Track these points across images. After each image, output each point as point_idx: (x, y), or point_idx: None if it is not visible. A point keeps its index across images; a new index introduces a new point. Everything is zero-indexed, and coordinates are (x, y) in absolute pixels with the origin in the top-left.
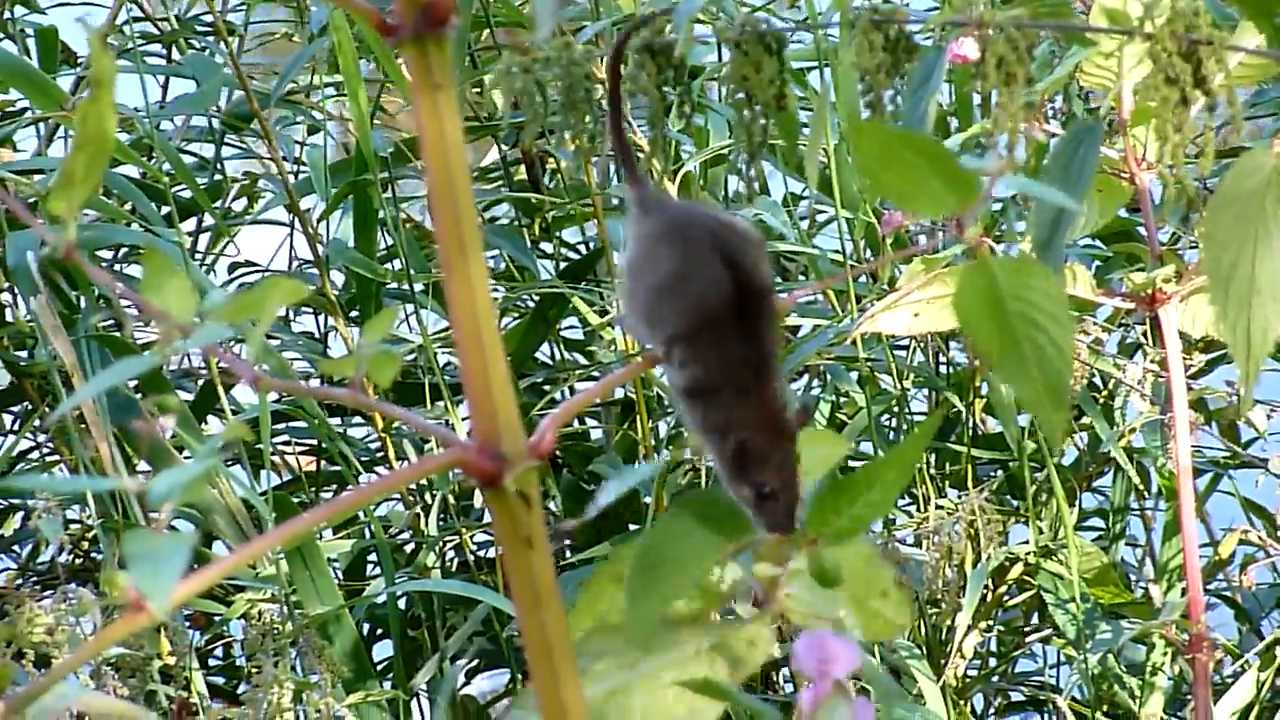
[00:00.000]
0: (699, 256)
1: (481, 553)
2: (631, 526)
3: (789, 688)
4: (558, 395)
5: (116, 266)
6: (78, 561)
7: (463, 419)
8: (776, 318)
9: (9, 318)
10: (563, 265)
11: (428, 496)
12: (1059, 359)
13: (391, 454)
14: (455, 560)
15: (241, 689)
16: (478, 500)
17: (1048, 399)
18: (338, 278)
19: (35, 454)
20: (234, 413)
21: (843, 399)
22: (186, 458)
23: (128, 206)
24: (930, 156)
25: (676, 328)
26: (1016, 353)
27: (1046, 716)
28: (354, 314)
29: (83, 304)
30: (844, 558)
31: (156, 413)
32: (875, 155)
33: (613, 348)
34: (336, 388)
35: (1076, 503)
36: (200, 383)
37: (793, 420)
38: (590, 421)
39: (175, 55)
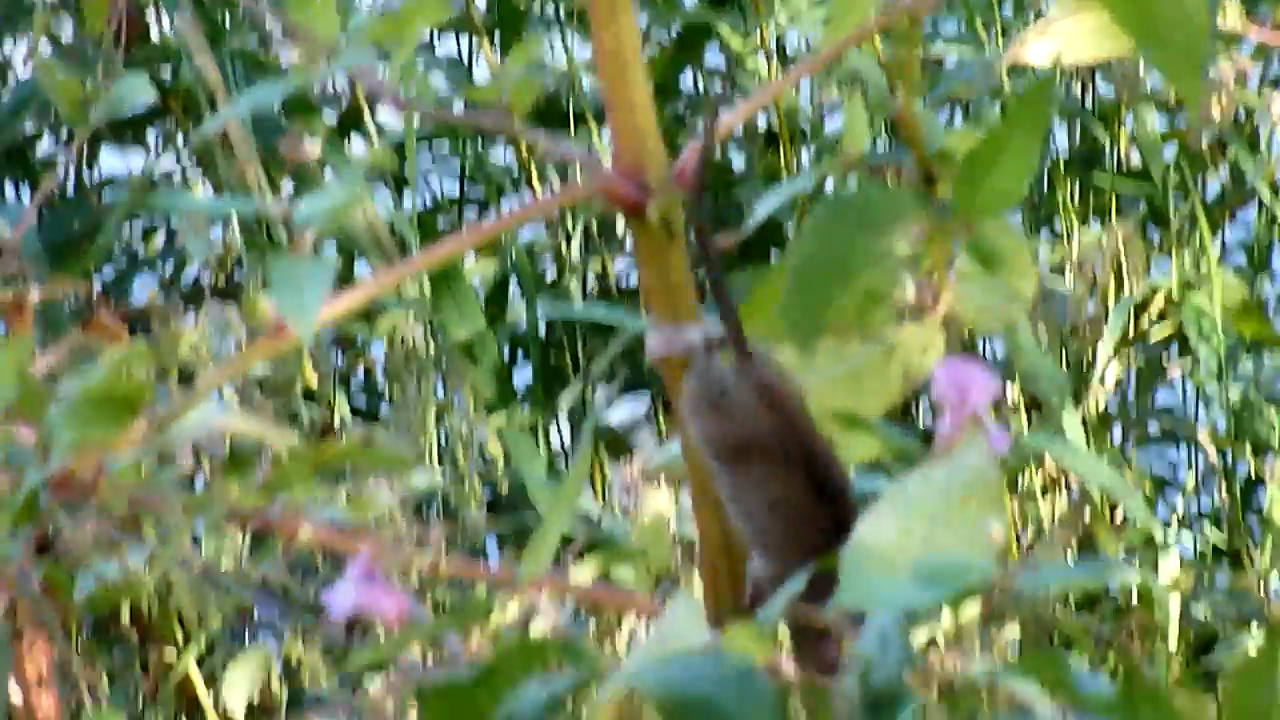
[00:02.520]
0: None
1: (623, 282)
2: (773, 254)
3: (928, 418)
4: (699, 125)
5: None
6: (221, 282)
7: (606, 146)
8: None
9: (153, 36)
10: None
11: (569, 223)
12: (1193, 27)
13: (536, 180)
14: (597, 287)
15: (383, 411)
16: (620, 228)
17: (1182, 64)
18: (481, 1)
19: (177, 176)
20: (379, 132)
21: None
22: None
23: None
24: None
25: None
26: (1151, 17)
27: (1186, 448)
28: (498, 37)
29: (227, 23)
30: (1000, 245)
31: (301, 134)
32: None
33: (756, 77)
34: (481, 112)
35: (1219, 235)
36: (344, 105)
37: None
38: (732, 151)
39: None
